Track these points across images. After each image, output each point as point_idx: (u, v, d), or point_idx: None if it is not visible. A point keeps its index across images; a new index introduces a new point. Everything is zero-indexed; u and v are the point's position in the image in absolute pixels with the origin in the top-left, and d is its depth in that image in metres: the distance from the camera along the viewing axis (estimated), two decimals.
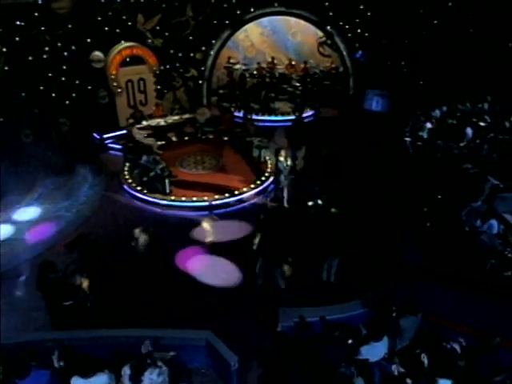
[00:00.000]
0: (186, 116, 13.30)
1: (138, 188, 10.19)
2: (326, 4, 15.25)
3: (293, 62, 17.78)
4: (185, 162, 11.68)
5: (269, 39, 18.38)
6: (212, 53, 15.67)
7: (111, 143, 13.09)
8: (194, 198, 9.92)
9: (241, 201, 10.09)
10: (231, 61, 17.28)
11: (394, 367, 4.52)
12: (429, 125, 11.33)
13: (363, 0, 15.00)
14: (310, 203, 7.30)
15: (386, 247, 7.63)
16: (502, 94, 11.73)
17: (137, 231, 7.45)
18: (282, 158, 9.59)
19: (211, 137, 13.40)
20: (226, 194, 10.14)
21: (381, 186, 9.51)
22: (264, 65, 17.51)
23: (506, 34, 12.77)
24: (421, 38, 14.62)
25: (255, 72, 17.35)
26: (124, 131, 12.93)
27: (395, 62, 15.60)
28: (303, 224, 7.18)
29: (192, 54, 15.32)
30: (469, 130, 10.33)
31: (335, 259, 6.98)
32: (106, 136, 13.16)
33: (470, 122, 10.68)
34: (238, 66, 17.14)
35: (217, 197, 10.04)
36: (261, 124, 14.10)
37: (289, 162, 9.53)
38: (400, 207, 9.04)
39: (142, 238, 7.31)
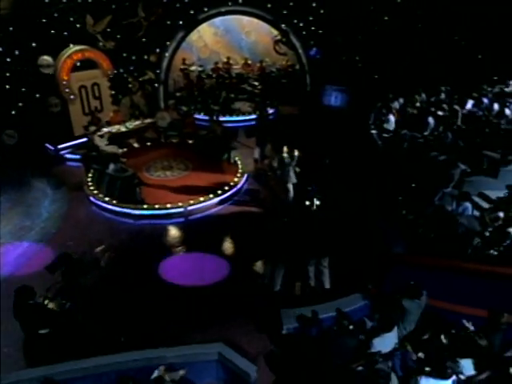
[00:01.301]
0: (148, 121, 12.71)
1: (107, 199, 9.55)
2: (280, 3, 15.28)
3: (249, 62, 17.70)
4: (152, 169, 11.15)
5: (222, 39, 18.18)
6: (167, 54, 15.20)
7: (67, 154, 12.23)
8: (169, 205, 9.46)
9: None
10: (186, 62, 16.88)
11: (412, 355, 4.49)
12: (391, 117, 11.62)
13: None
14: (307, 202, 7.22)
15: (370, 238, 7.70)
16: (455, 85, 12.35)
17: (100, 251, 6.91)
18: (285, 154, 9.42)
19: (175, 141, 12.95)
20: (201, 198, 9.78)
21: (357, 180, 9.62)
22: (220, 65, 17.29)
23: (455, 27, 13.46)
24: (373, 34, 15.07)
25: (211, 73, 17.09)
26: (80, 140, 12.12)
27: (350, 58, 15.99)
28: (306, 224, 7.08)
29: (146, 57, 14.78)
30: (430, 120, 10.74)
31: (324, 262, 6.89)
32: (60, 147, 12.28)
33: (429, 112, 11.11)
34: (193, 68, 16.77)
35: (192, 201, 9.65)
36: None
37: (296, 153, 9.40)
38: (377, 198, 9.22)
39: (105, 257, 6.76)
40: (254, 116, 15.41)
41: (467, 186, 8.86)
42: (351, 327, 4.92)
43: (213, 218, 9.54)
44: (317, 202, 7.07)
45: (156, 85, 14.82)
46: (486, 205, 8.32)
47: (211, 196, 9.92)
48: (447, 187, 8.85)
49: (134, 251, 8.06)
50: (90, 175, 10.39)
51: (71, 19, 12.47)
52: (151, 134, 12.70)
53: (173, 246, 8.48)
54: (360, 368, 4.56)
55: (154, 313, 6.44)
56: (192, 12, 14.88)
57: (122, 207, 9.38)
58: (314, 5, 15.41)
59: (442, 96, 11.87)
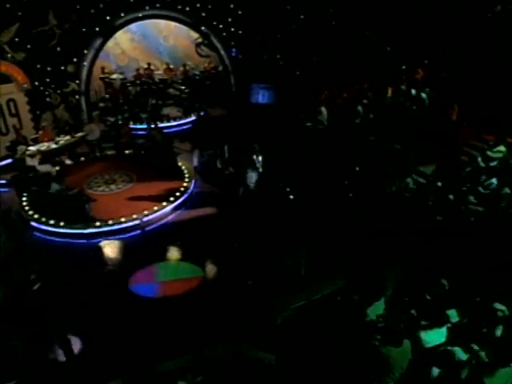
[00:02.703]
0: (79, 134, 11.90)
1: (52, 222, 8.80)
2: (198, 5, 15.30)
3: (171, 66, 17.43)
4: (93, 184, 10.50)
5: (140, 45, 17.64)
6: (85, 64, 14.35)
7: None
8: (123, 219, 9.03)
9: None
10: (106, 71, 16.10)
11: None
12: (323, 109, 12.38)
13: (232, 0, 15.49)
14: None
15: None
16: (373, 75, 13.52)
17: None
18: (255, 156, 9.46)
19: (111, 153, 12.32)
20: (155, 207, 9.50)
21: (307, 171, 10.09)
22: (142, 71, 16.77)
23: (365, 23, 14.71)
24: (291, 32, 15.83)
25: (134, 80, 16.52)
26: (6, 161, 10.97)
27: (271, 56, 16.57)
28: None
29: (63, 67, 13.80)
30: (359, 108, 11.69)
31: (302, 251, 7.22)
32: None
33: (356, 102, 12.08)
34: (115, 76, 16.04)
35: (146, 212, 9.33)
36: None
37: (260, 158, 9.52)
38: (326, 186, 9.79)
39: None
40: (184, 121, 15.35)
41: (403, 164, 9.83)
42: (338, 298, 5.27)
43: (171, 225, 9.32)
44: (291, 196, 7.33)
45: (77, 96, 13.91)
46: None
47: (165, 204, 9.69)
48: (388, 167, 9.74)
49: (96, 271, 7.58)
50: (24, 199, 9.47)
51: None
52: (84, 148, 11.92)
53: (136, 259, 8.13)
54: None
55: (138, 329, 6.15)
56: (108, 18, 14.24)
57: (72, 228, 8.73)
58: (232, 6, 15.67)
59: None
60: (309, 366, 4.58)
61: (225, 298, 6.69)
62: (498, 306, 4.86)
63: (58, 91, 13.53)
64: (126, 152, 12.18)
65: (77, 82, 14.05)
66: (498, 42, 10.64)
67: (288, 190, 8.76)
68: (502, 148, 8.51)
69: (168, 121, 15.08)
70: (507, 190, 7.23)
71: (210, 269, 7.57)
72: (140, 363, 5.20)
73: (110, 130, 13.04)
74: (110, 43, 16.02)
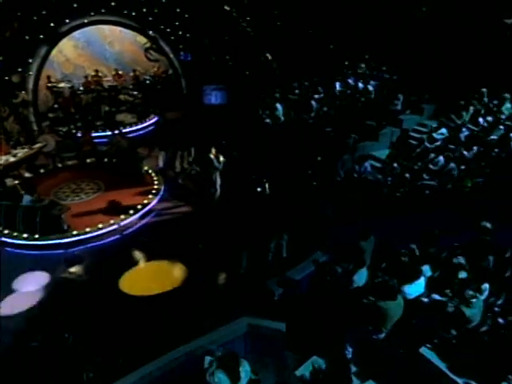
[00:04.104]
0: (37, 145, 11.53)
1: (25, 235, 8.60)
2: (144, 10, 15.33)
3: (120, 72, 17.26)
4: (61, 195, 10.31)
5: (85, 52, 17.29)
6: (31, 73, 13.85)
7: None
8: (100, 225, 9.04)
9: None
10: (52, 80, 15.62)
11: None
12: (278, 105, 13.07)
13: (179, 3, 15.69)
14: (259, 189, 7.92)
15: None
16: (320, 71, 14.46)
17: None
18: (212, 156, 9.70)
19: (70, 163, 12.08)
20: (131, 211, 9.60)
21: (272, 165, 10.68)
22: (90, 79, 16.45)
23: (309, 22, 15.61)
24: (238, 34, 16.38)
25: (83, 88, 16.18)
26: None
27: (220, 58, 17.00)
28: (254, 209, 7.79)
29: (7, 78, 13.22)
30: (313, 103, 12.52)
31: (284, 237, 7.80)
32: None
33: (310, 97, 12.92)
34: (62, 85, 15.62)
35: (123, 216, 9.41)
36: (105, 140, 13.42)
37: (221, 159, 9.80)
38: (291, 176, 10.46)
39: None
40: (139, 126, 15.33)
41: (359, 151, 10.78)
42: (338, 270, 5.91)
43: (150, 227, 9.47)
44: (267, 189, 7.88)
45: (28, 107, 13.40)
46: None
47: (140, 207, 9.80)
48: (345, 154, 10.62)
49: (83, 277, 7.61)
50: None
51: None
52: (44, 160, 11.59)
53: (120, 262, 8.22)
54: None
55: (136, 328, 6.33)
56: (53, 25, 13.85)
57: (49, 239, 8.59)
58: (178, 10, 15.88)
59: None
60: (314, 329, 5.15)
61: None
62: (460, 259, 5.77)
63: (6, 103, 12.95)
64: (88, 160, 12.01)
65: (23, 92, 13.54)
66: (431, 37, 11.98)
67: (259, 182, 9.26)
68: (443, 130, 9.71)
69: (123, 127, 15.00)
70: (452, 165, 8.34)
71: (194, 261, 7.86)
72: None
73: (66, 139, 12.72)
74: (54, 51, 15.52)
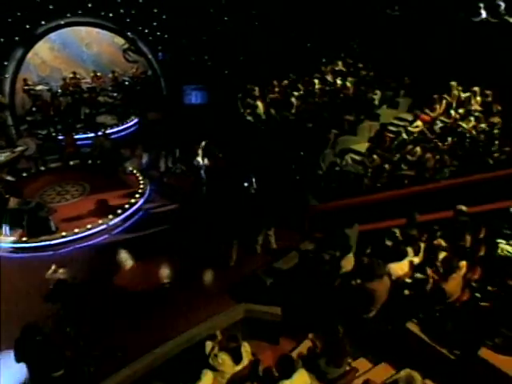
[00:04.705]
0: (19, 149, 11.42)
1: (12, 239, 8.57)
2: (122, 11, 15.31)
3: (98, 74, 17.16)
4: (46, 197, 10.28)
5: (61, 54, 17.12)
6: (7, 76, 13.67)
7: None
8: (89, 226, 9.10)
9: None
10: (29, 83, 15.43)
11: None
12: (259, 102, 13.34)
13: (156, 4, 15.75)
14: (246, 184, 8.18)
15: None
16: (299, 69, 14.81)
17: None
18: (199, 158, 9.86)
19: (54, 165, 12.03)
20: (119, 211, 9.69)
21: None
22: (68, 81, 16.30)
23: (286, 22, 15.95)
24: (216, 34, 16.56)
25: (60, 90, 16.02)
26: None
27: (199, 58, 17.14)
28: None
29: None
30: (293, 100, 12.85)
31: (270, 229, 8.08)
32: None
33: (289, 94, 13.24)
34: (40, 87, 15.46)
35: (111, 216, 9.49)
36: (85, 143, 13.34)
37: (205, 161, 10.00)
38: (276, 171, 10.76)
39: None
40: (120, 127, 15.33)
41: (339, 145, 11.17)
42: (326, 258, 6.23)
43: (140, 224, 9.58)
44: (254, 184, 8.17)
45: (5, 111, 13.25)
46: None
47: (127, 207, 9.89)
48: (326, 148, 10.99)
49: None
50: None
51: None
52: (26, 163, 11.50)
53: (113, 260, 8.33)
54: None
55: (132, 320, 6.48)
56: (28, 26, 13.70)
57: (37, 241, 8.59)
58: (155, 11, 15.93)
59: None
60: (307, 311, 5.44)
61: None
62: (439, 241, 6.18)
63: None
64: (72, 163, 11.99)
65: None
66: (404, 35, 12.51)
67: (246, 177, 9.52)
68: (418, 123, 10.20)
69: (104, 129, 14.97)
70: (429, 155, 8.79)
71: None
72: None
73: (48, 142, 12.65)
74: (29, 53, 15.33)
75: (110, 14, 15.17)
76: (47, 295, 5.30)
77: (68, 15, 14.47)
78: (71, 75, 16.49)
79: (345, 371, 4.33)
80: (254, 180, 8.68)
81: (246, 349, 4.56)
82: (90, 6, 14.55)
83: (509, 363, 4.27)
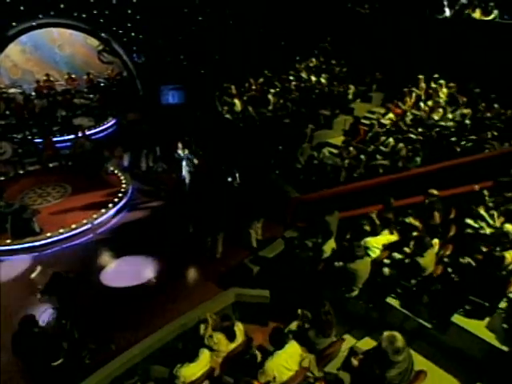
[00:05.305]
0: None
1: None
2: (95, 12, 15.25)
3: (73, 76, 17.02)
4: (27, 200, 10.23)
5: (33, 56, 16.94)
6: None
7: None
8: (74, 225, 9.14)
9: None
10: (1, 86, 15.20)
11: None
12: (236, 100, 13.61)
13: (129, 5, 15.76)
14: (230, 179, 8.45)
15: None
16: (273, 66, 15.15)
17: None
18: (180, 151, 9.98)
19: (32, 168, 11.93)
20: (103, 210, 9.76)
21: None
22: (42, 83, 16.10)
23: (259, 22, 16.26)
24: (191, 34, 16.72)
25: (34, 93, 15.82)
26: None
27: (175, 58, 17.24)
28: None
29: None
30: (269, 96, 13.18)
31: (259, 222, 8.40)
32: None
33: (266, 91, 13.57)
34: (13, 90, 15.25)
35: (95, 216, 9.56)
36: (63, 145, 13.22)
37: (186, 152, 10.11)
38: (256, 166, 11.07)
39: None
40: (97, 129, 15.27)
41: (316, 139, 11.56)
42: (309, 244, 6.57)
43: (123, 224, 9.68)
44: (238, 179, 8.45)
45: None
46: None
47: (110, 206, 9.97)
48: (303, 142, 11.35)
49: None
50: None
51: None
52: (3, 167, 11.38)
53: (99, 258, 8.43)
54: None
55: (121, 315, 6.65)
56: None
57: (22, 243, 8.59)
58: (129, 11, 15.94)
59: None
60: (294, 293, 5.76)
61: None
62: (411, 220, 6.61)
63: None
64: (51, 165, 11.93)
65: None
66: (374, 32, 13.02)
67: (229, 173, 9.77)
68: (390, 115, 10.71)
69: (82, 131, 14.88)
70: (401, 145, 9.28)
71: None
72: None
73: (25, 145, 12.53)
74: (0, 56, 15.10)
75: (83, 15, 15.10)
76: (43, 289, 5.41)
77: (40, 16, 14.34)
78: (45, 77, 16.32)
79: (332, 341, 4.66)
80: (237, 175, 8.94)
81: (239, 327, 4.83)
82: (62, 6, 14.46)
83: (477, 325, 4.72)
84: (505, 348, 4.42)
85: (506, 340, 4.48)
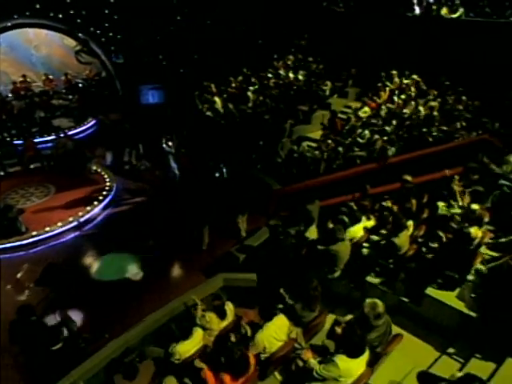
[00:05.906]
0: None
1: None
2: (72, 12, 15.20)
3: (50, 77, 16.89)
4: (10, 201, 10.20)
5: (8, 57, 16.63)
6: None
7: None
8: (60, 223, 9.22)
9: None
10: None
11: None
12: (217, 98, 13.85)
13: (107, 5, 15.77)
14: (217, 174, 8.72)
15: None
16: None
17: None
18: (164, 145, 10.13)
19: (13, 170, 11.88)
20: (88, 208, 9.85)
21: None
22: (18, 85, 15.93)
23: (236, 21, 16.52)
24: (170, 34, 16.84)
25: (11, 94, 15.65)
26: None
27: (154, 58, 17.32)
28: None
29: None
30: (249, 94, 13.47)
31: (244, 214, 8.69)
32: None
33: (245, 89, 13.85)
34: None
35: (81, 213, 9.65)
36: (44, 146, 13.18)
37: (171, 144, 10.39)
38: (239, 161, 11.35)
39: None
40: (77, 130, 15.23)
41: (295, 133, 11.93)
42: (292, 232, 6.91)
43: (109, 220, 9.80)
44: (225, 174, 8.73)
45: None
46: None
47: (96, 203, 10.07)
48: (283, 137, 11.70)
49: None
50: None
51: None
52: None
53: (86, 254, 8.54)
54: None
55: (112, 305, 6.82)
56: None
57: (8, 242, 8.62)
58: (107, 11, 15.94)
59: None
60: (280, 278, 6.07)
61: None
62: (387, 204, 7.02)
63: None
64: (33, 166, 11.91)
65: None
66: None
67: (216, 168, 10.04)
68: (366, 109, 11.17)
69: (61, 132, 14.82)
70: (376, 137, 9.73)
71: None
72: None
73: (4, 147, 12.44)
74: None
75: (60, 15, 15.03)
76: (38, 279, 5.53)
77: (15, 17, 14.20)
78: (21, 79, 16.15)
79: (317, 315, 4.98)
80: (224, 171, 9.20)
81: (229, 307, 5.11)
82: (38, 6, 14.36)
83: (449, 296, 5.15)
84: (473, 314, 4.85)
85: (473, 307, 4.91)
